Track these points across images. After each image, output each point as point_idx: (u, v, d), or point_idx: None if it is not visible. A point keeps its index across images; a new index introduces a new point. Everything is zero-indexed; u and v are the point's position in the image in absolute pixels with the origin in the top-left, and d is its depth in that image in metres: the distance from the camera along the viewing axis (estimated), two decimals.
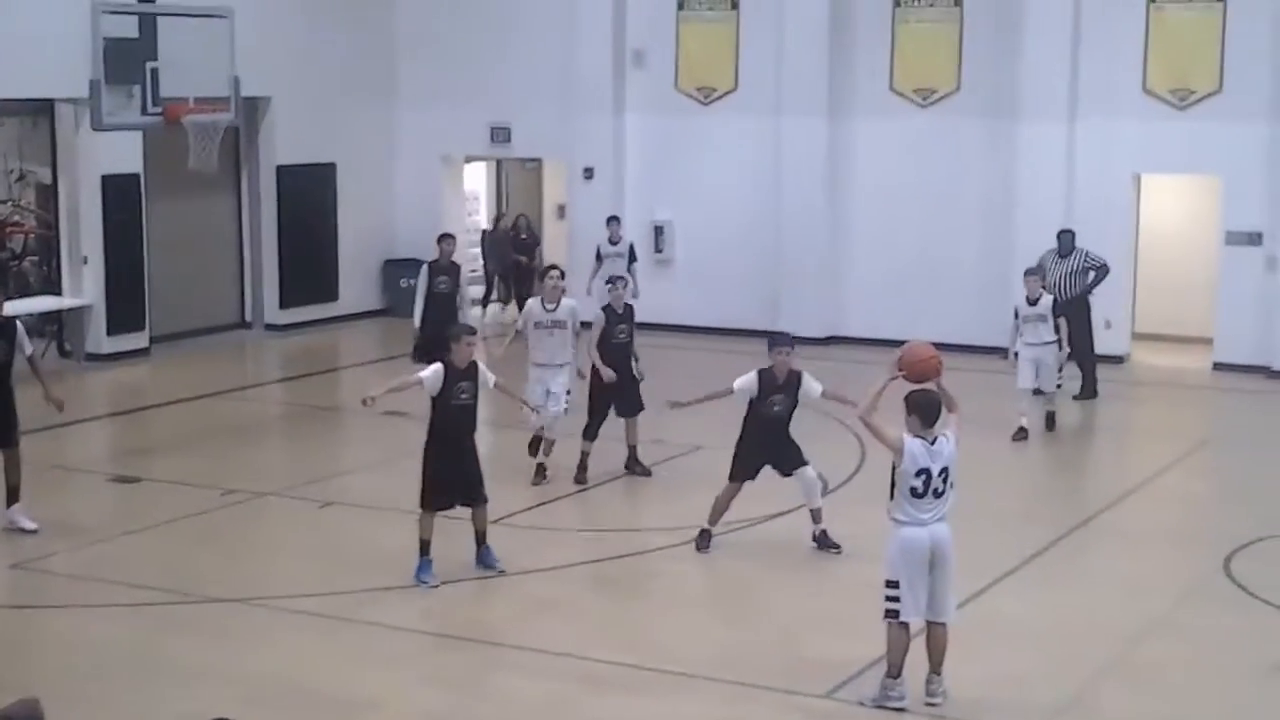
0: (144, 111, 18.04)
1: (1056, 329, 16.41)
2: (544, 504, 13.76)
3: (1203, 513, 14.28)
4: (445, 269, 17.23)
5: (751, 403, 12.28)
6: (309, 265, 23.07)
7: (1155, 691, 9.90)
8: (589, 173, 23.25)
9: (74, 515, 13.50)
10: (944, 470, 9.38)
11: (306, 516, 13.55)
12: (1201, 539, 13.06)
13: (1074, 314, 18.13)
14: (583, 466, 14.30)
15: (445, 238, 17.82)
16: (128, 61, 17.67)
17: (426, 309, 16.87)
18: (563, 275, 14.76)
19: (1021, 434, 16.34)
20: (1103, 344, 19.70)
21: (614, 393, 14.25)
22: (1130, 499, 14.29)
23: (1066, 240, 18.56)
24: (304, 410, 18.39)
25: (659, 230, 22.91)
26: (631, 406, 14.54)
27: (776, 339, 12.61)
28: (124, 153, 20.05)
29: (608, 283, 14.92)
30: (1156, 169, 20.64)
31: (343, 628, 10.78)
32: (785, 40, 21.87)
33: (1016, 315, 16.60)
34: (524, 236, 24.80)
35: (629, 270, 20.12)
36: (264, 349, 22.15)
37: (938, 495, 9.40)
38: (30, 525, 12.64)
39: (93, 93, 17.55)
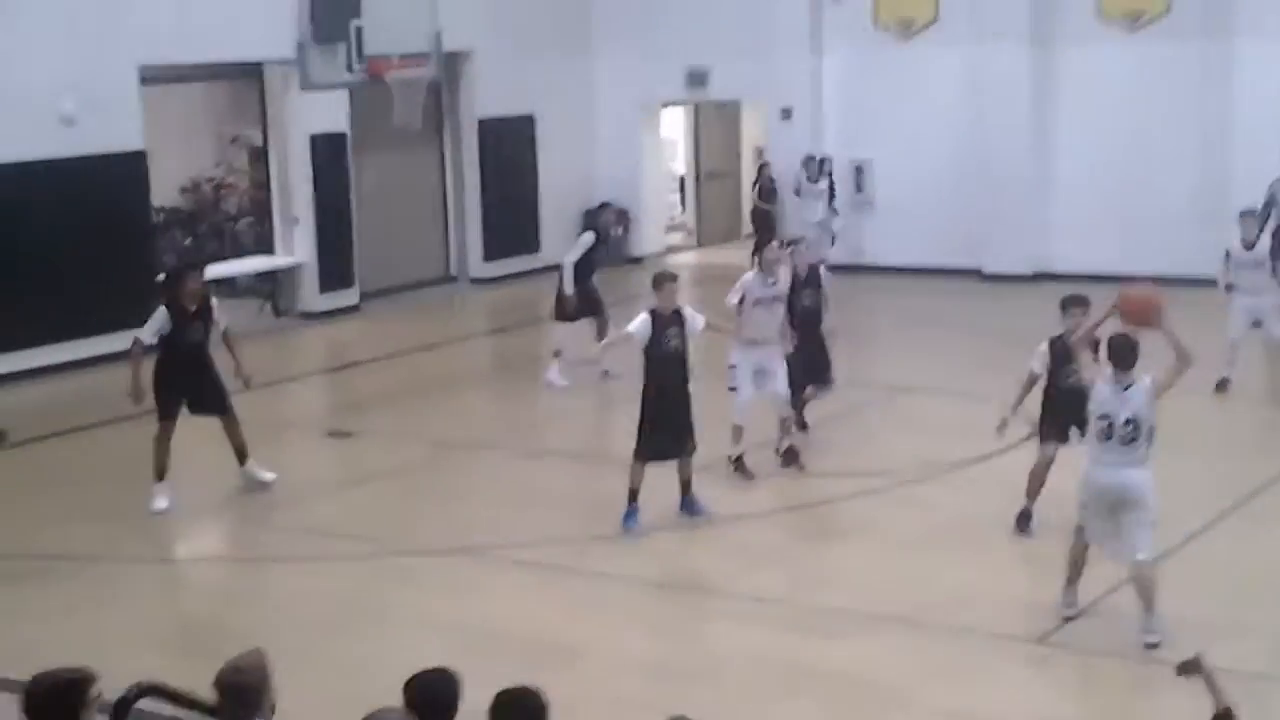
0: (349, 70, 18.37)
1: (1275, 271, 15.01)
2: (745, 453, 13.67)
3: None
4: (605, 241, 17.27)
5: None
6: (511, 217, 23.30)
7: None
8: (787, 113, 23.03)
9: (293, 471, 13.84)
10: (1130, 419, 9.08)
11: (518, 467, 13.71)
12: None
13: None
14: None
15: (620, 214, 17.68)
16: (333, 21, 18.01)
17: (579, 273, 16.35)
18: (783, 245, 13.76)
19: (1224, 385, 14.95)
20: None
21: (801, 362, 13.17)
22: None
23: None
24: (511, 361, 18.61)
25: (859, 169, 22.62)
26: (821, 376, 13.62)
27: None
28: (331, 112, 20.42)
29: (787, 245, 13.74)
30: None
31: (557, 576, 10.89)
32: None
33: (1228, 257, 15.24)
34: (767, 186, 23.80)
35: (830, 207, 20.01)
36: (470, 302, 22.45)
37: (1124, 442, 9.11)
38: (267, 476, 12.94)
39: (300, 54, 17.92)
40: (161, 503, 12.35)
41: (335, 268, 20.82)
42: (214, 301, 12.83)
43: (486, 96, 22.85)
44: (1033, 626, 9.60)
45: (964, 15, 21.68)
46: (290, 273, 20.74)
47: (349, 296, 21.05)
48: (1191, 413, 14.32)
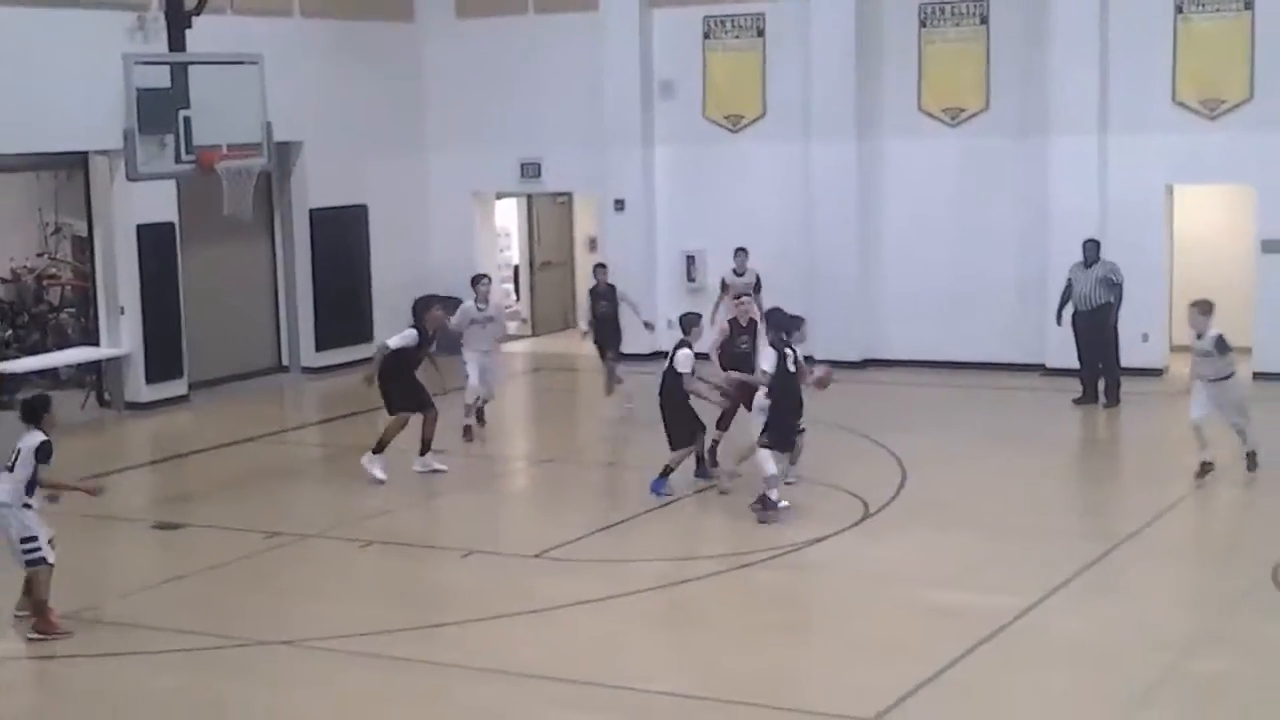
0: (178, 160, 18.17)
1: (1224, 358, 14.89)
2: (583, 538, 13.72)
3: (1246, 523, 14.17)
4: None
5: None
6: (344, 307, 23.17)
7: (1211, 705, 9.82)
8: (620, 204, 23.31)
9: (119, 564, 13.55)
10: None
11: (350, 557, 13.57)
12: (1246, 550, 12.95)
13: (1097, 322, 18.36)
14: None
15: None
16: (160, 111, 17.82)
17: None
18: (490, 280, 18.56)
19: (1206, 469, 14.94)
20: (1140, 357, 19.76)
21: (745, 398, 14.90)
22: (1173, 511, 14.18)
23: (1091, 250, 18.75)
24: (343, 451, 18.43)
25: (690, 259, 22.94)
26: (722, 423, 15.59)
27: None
28: (158, 202, 20.20)
29: (736, 298, 16.73)
30: (1189, 180, 20.56)
31: (390, 666, 10.77)
32: (812, 64, 21.90)
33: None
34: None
35: (757, 298, 20.37)
36: (301, 392, 22.25)
37: None
38: (441, 467, 15.91)
39: (127, 143, 17.70)
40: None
41: (163, 358, 20.49)
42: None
43: (318, 187, 22.78)
44: (865, 707, 9.71)
45: (791, 109, 22.19)
46: (116, 363, 20.37)
47: (178, 387, 20.72)
48: (1024, 486, 14.78)
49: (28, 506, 11.34)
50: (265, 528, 14.27)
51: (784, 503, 13.69)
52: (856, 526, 13.73)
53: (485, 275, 18.85)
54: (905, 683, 9.90)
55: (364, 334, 23.40)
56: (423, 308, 16.31)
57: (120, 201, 20.04)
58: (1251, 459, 15.15)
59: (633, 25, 22.92)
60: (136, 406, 20.24)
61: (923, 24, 21.53)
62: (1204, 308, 14.96)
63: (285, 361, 23.19)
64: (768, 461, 13.63)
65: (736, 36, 22.65)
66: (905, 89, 21.61)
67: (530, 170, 24.10)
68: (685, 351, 14.61)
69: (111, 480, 15.20)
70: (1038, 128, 20.73)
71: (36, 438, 11.39)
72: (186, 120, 18.00)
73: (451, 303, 18.19)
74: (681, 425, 14.69)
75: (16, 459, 11.36)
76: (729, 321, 16.23)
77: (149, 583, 12.96)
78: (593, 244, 25.45)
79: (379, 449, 15.91)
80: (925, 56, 21.56)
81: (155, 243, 20.41)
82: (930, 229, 21.57)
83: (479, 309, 18.06)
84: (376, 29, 23.76)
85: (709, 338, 16.18)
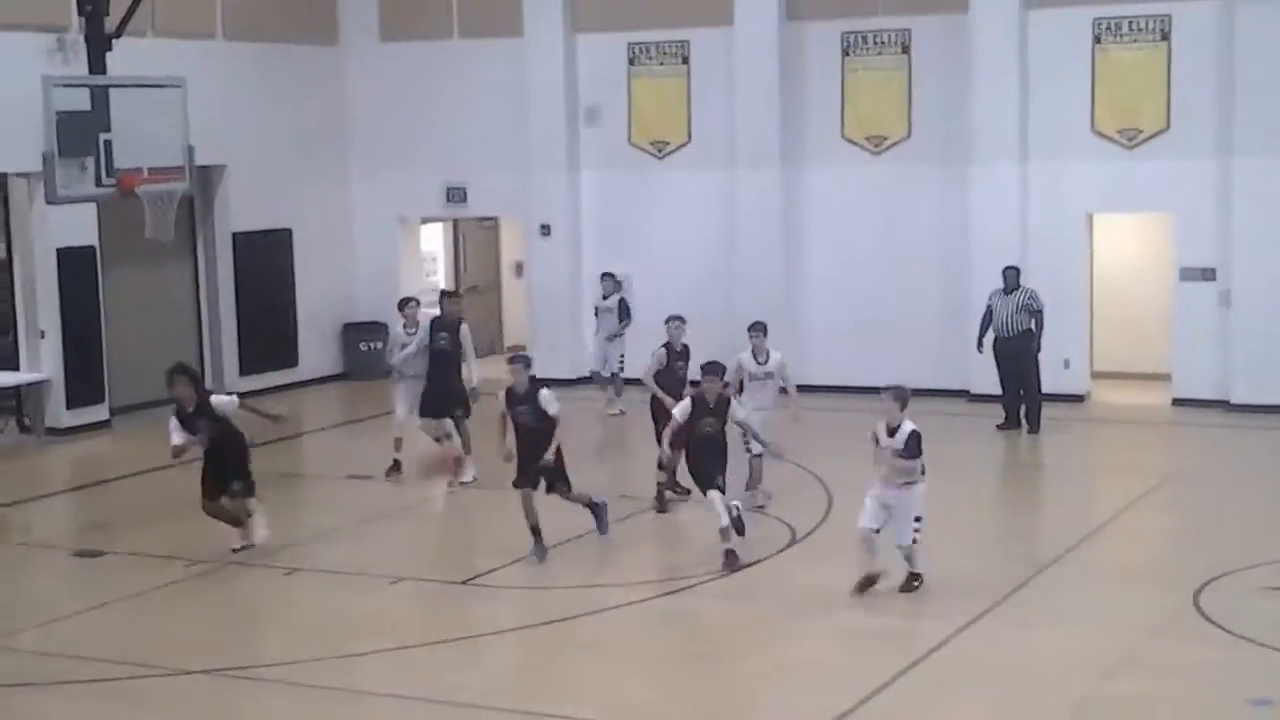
0: (98, 183, 17.96)
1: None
2: (509, 565, 13.69)
3: (1169, 548, 14.34)
4: (444, 326, 17.26)
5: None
6: (268, 331, 23.02)
7: None
8: (546, 229, 23.31)
9: (38, 591, 13.36)
10: None
11: (273, 584, 13.45)
12: (1169, 574, 13.10)
13: (1019, 349, 18.60)
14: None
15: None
16: (81, 133, 17.62)
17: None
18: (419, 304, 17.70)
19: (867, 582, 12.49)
20: (1062, 383, 19.98)
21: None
22: (1096, 536, 14.35)
23: (1011, 276, 18.99)
24: (267, 477, 18.23)
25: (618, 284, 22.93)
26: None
27: (709, 368, 13.78)
28: (79, 225, 19.99)
29: (668, 321, 16.28)
30: (1108, 208, 20.85)
31: (314, 695, 10.69)
32: (736, 93, 22.03)
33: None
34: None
35: (620, 326, 20.37)
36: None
37: None
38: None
39: (46, 166, 17.49)
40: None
41: (84, 383, 20.26)
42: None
43: (242, 210, 22.63)
44: None
45: (716, 138, 22.29)
46: (36, 388, 20.11)
47: (99, 412, 20.47)
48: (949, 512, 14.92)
49: None
50: (187, 555, 14.12)
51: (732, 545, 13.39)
52: (783, 552, 13.78)
53: (413, 298, 18.18)
54: (832, 708, 9.94)
55: (289, 359, 23.27)
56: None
57: (40, 224, 19.83)
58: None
59: (557, 50, 22.95)
60: (57, 432, 19.99)
61: (845, 53, 21.70)
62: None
63: (209, 385, 22.92)
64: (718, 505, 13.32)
65: (661, 63, 22.73)
66: (829, 117, 21.77)
67: (456, 195, 24.05)
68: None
69: (32, 507, 15.04)
70: (959, 156, 20.95)
71: None
72: (107, 143, 17.80)
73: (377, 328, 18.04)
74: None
75: None
76: (664, 346, 16.05)
77: (67, 611, 12.79)
78: (519, 269, 25.44)
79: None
80: (848, 84, 21.74)
81: (76, 266, 20.20)
82: (853, 255, 21.71)
83: (408, 333, 17.45)
84: (300, 52, 23.65)
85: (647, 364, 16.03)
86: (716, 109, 22.29)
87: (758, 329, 15.76)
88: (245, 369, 22.75)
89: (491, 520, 15.24)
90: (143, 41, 20.24)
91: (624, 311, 20.99)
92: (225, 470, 13.96)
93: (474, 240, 26.59)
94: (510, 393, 13.64)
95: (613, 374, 20.95)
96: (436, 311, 17.62)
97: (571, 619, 12.17)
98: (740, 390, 15.14)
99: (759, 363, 15.47)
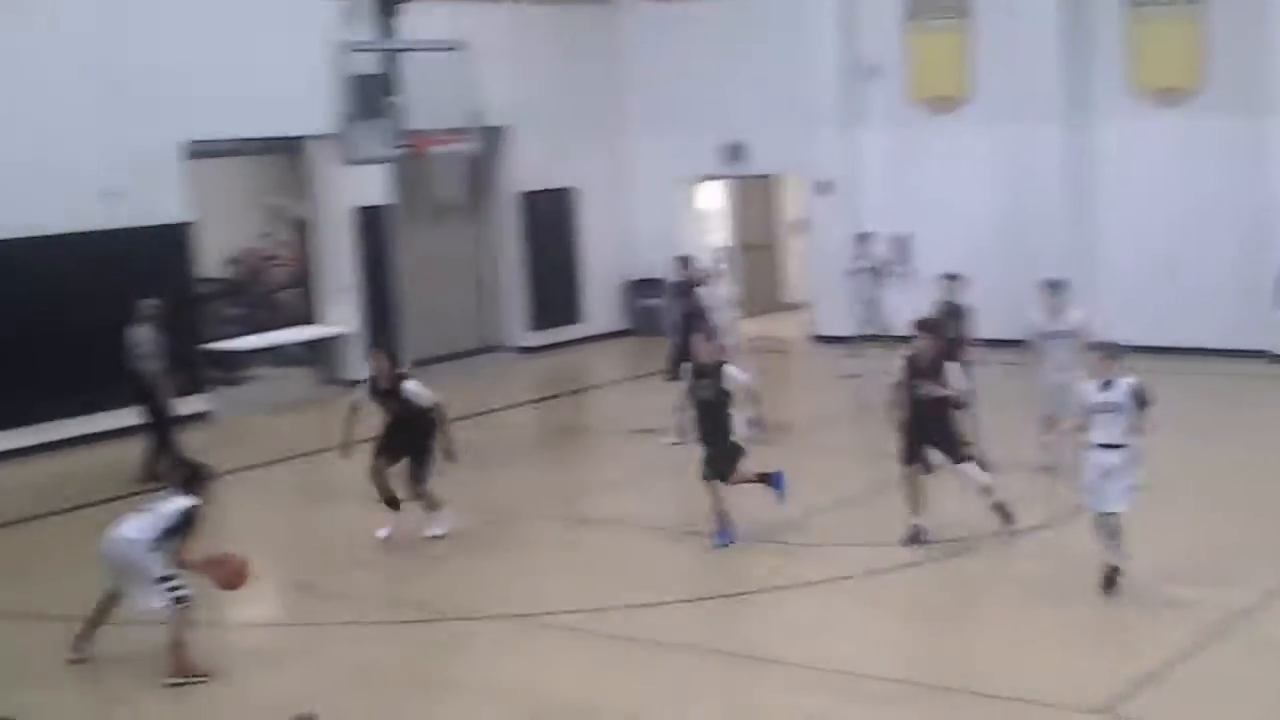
0: (391, 145, 18.59)
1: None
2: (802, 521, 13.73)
3: None
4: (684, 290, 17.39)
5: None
6: (554, 288, 23.52)
7: None
8: (826, 186, 23.23)
9: (344, 537, 13.91)
10: None
11: (564, 534, 13.77)
12: None
13: None
14: None
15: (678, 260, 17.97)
16: (375, 97, 18.25)
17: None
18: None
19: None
20: None
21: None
22: None
23: None
24: (555, 432, 18.69)
25: (900, 242, 22.75)
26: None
27: (923, 324, 12.91)
28: (373, 185, 20.68)
29: (943, 278, 15.96)
30: None
31: (611, 644, 10.92)
32: (1017, 46, 21.53)
33: None
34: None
35: (879, 286, 20.14)
36: (514, 371, 22.58)
37: None
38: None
39: (343, 129, 18.16)
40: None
41: (379, 337, 20.97)
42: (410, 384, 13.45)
43: (527, 170, 23.13)
44: (1089, 696, 9.58)
45: (998, 92, 21.85)
46: (335, 342, 20.93)
47: None
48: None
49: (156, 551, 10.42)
50: (478, 507, 14.53)
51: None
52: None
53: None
54: (1131, 675, 9.75)
55: (573, 315, 23.75)
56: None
57: (337, 185, 20.57)
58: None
59: (836, 6, 22.80)
60: (354, 384, 20.70)
61: (1134, 2, 21.01)
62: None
63: (497, 341, 23.58)
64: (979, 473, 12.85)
65: (938, 18, 22.37)
66: (1115, 68, 21.10)
67: (735, 153, 24.13)
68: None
69: (332, 456, 15.65)
70: (1258, 106, 20.08)
71: (183, 503, 10.51)
72: (400, 106, 18.40)
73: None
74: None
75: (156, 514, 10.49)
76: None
77: (372, 556, 13.28)
78: (798, 226, 25.41)
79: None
80: (1135, 35, 21.03)
81: (370, 225, 20.92)
82: (1144, 213, 21.01)
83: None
84: (584, 12, 24.01)
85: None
86: (996, 63, 21.82)
87: (1054, 287, 15.00)
88: (533, 324, 23.29)
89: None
90: (432, 6, 20.82)
91: (883, 272, 20.63)
92: (403, 444, 13.42)
93: (752, 198, 26.64)
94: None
95: (872, 336, 20.74)
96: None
97: (860, 576, 12.16)
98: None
99: (1052, 322, 14.65)
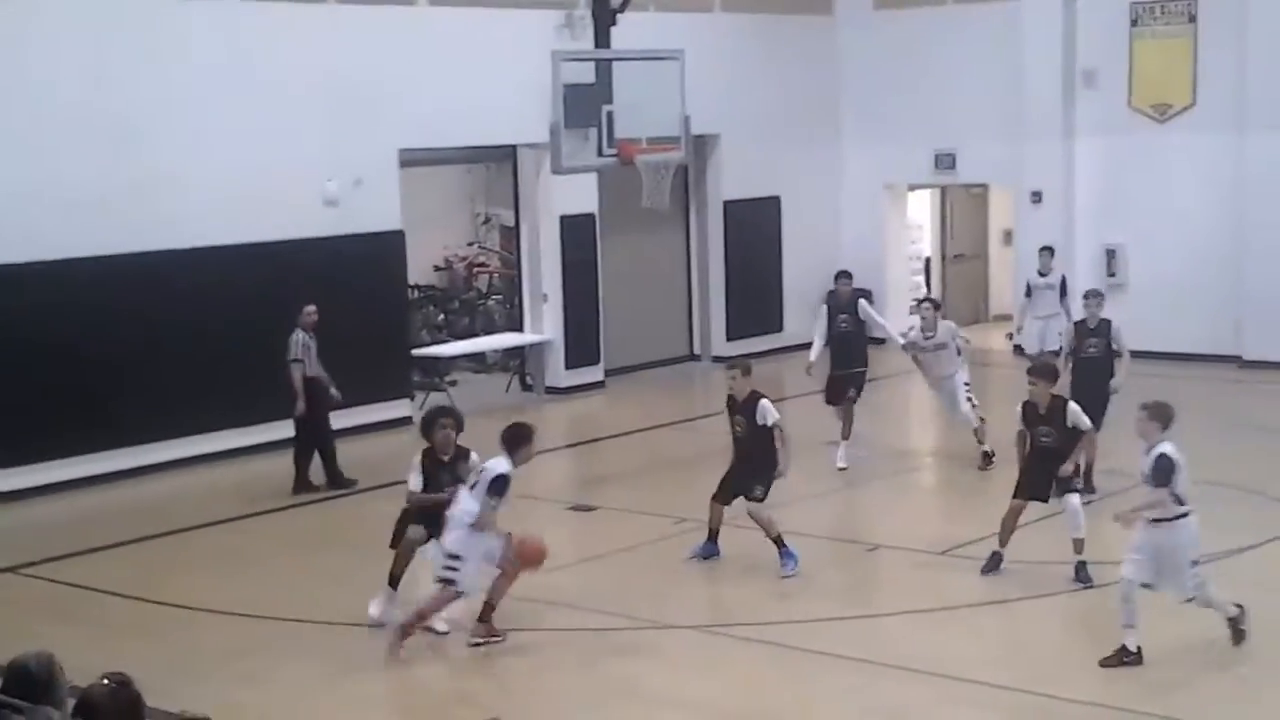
0: (600, 153, 18.71)
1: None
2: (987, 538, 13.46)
3: None
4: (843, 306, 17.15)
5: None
6: (755, 297, 23.46)
7: None
8: (1037, 197, 22.78)
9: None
10: None
11: (753, 546, 13.70)
12: None
13: None
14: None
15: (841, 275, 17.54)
16: (585, 106, 18.37)
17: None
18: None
19: None
20: None
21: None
22: None
23: None
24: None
25: (1110, 254, 22.21)
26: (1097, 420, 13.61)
27: (1036, 370, 12.54)
28: (581, 194, 20.89)
29: (1085, 297, 15.53)
30: None
31: (795, 656, 10.86)
32: (1248, 52, 20.85)
33: None
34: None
35: (1061, 305, 19.37)
36: (712, 380, 22.56)
37: None
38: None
39: (553, 137, 18.34)
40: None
41: (582, 345, 21.21)
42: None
43: (732, 178, 23.13)
44: None
45: (1224, 101, 21.18)
46: (538, 349, 21.19)
47: (594, 373, 21.41)
48: None
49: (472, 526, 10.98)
50: (675, 513, 14.55)
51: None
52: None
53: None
54: None
55: (774, 324, 23.66)
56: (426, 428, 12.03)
57: (545, 193, 20.81)
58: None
59: (1054, 14, 22.35)
60: (556, 391, 21.00)
61: None
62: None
63: (697, 350, 23.62)
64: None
65: (1167, 23, 21.77)
66: None
67: (945, 161, 23.82)
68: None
69: (532, 463, 15.82)
70: None
71: (501, 466, 11.04)
72: (609, 115, 18.51)
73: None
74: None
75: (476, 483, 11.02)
76: (1075, 323, 15.48)
77: (564, 562, 13.42)
78: (1007, 237, 24.97)
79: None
80: None
81: (577, 233, 21.12)
82: None
83: (925, 336, 16.41)
84: (795, 22, 23.92)
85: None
86: (1225, 70, 21.17)
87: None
88: (732, 333, 23.27)
89: (975, 489, 15.04)
90: (645, 15, 20.97)
91: (1063, 289, 19.88)
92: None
93: (961, 208, 26.26)
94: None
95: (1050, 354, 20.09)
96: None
97: (1057, 594, 11.87)
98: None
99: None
